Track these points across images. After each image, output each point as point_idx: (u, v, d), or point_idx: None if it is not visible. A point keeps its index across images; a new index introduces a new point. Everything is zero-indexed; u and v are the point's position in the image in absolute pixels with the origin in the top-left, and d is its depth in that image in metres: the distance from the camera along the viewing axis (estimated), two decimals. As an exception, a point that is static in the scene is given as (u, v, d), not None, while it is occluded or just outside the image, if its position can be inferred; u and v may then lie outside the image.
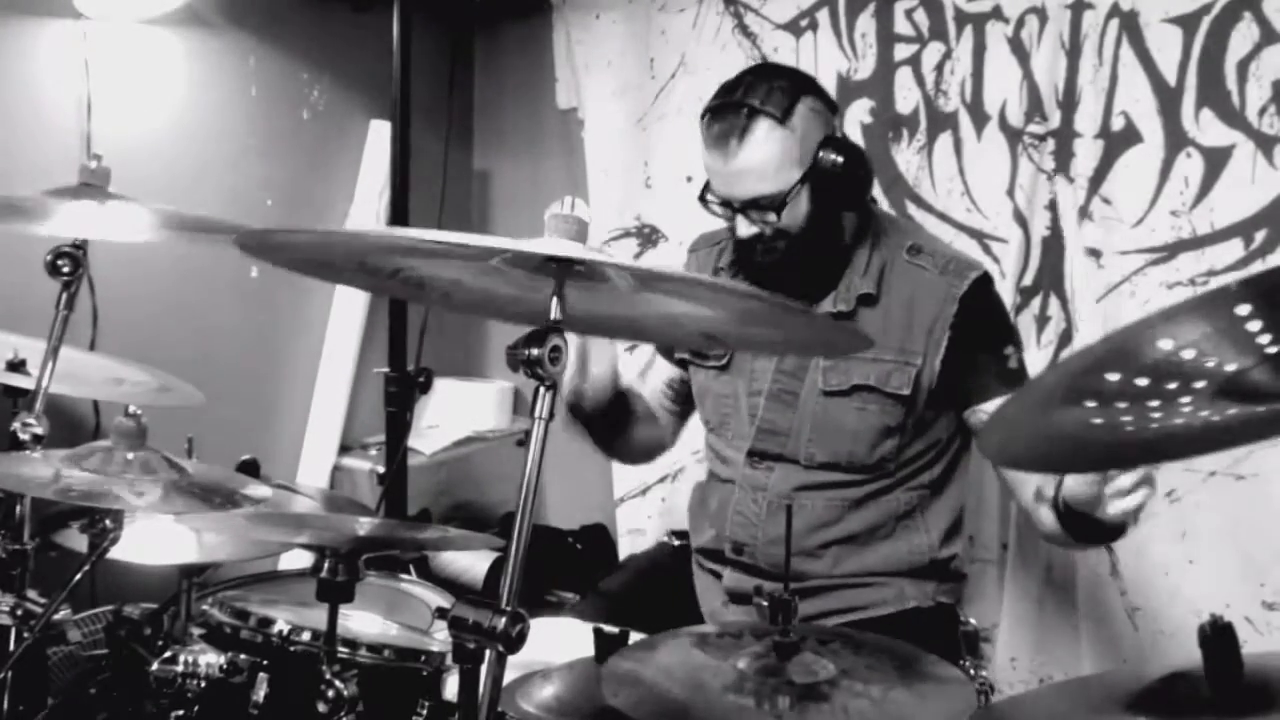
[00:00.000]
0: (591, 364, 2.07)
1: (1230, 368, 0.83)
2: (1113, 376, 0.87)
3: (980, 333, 2.02)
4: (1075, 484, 1.72)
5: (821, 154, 1.97)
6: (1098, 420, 0.90)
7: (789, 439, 2.09)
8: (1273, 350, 0.80)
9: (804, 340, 1.68)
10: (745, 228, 1.99)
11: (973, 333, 2.01)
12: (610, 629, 1.54)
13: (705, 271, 2.26)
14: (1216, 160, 2.43)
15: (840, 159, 1.97)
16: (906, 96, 2.78)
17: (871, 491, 2.09)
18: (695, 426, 2.33)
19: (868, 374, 2.03)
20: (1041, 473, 1.84)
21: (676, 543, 2.42)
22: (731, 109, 1.95)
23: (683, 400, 2.33)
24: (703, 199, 2.05)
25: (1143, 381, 0.86)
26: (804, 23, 2.90)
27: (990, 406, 1.99)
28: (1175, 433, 0.89)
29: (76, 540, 1.82)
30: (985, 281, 2.06)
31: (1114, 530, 1.78)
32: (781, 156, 1.95)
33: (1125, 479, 1.65)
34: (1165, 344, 0.83)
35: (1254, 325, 0.80)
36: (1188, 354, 0.83)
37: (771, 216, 1.97)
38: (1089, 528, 1.78)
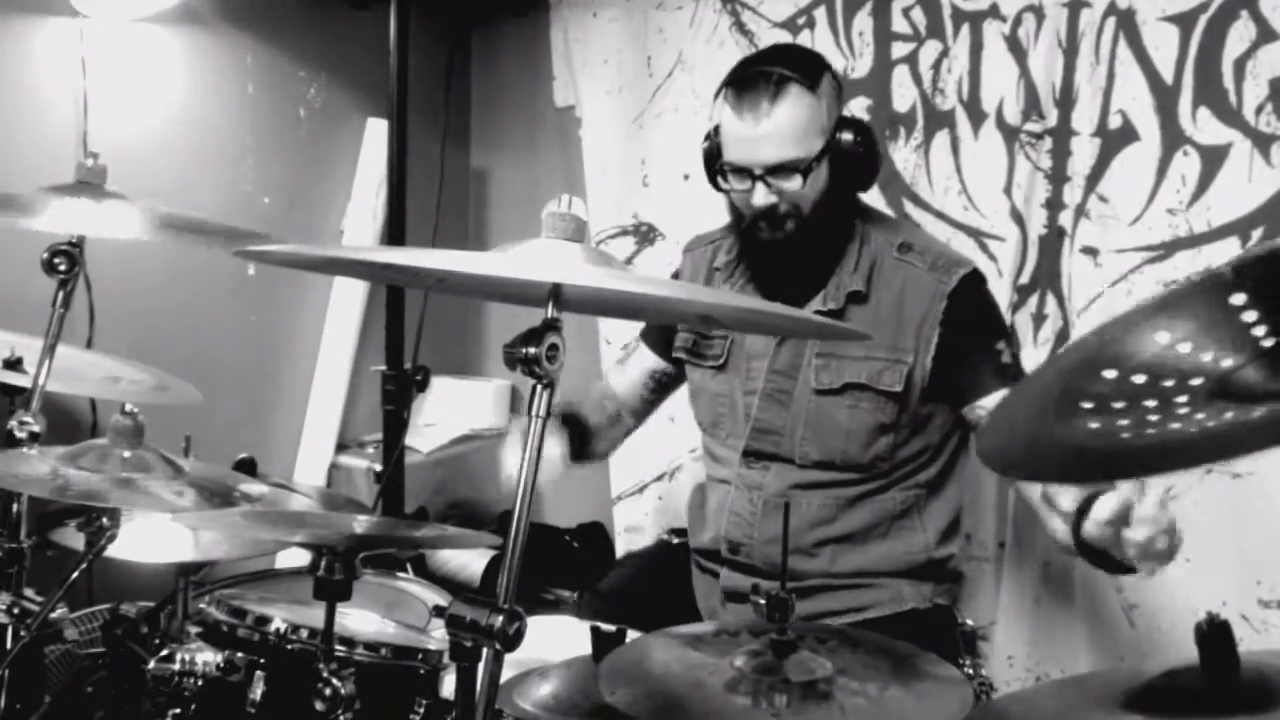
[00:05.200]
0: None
1: (1226, 363, 0.82)
2: (1109, 374, 0.87)
3: (971, 329, 2.02)
4: (1095, 530, 1.61)
5: (839, 131, 2.01)
6: (1095, 426, 0.90)
7: (783, 438, 2.09)
8: (1268, 344, 0.80)
9: (801, 326, 1.68)
10: (763, 196, 1.98)
11: (963, 329, 2.01)
12: (607, 627, 1.54)
13: (701, 271, 2.26)
14: (1213, 159, 2.43)
15: (857, 137, 2.01)
16: (904, 95, 2.78)
17: (867, 491, 2.09)
18: (693, 425, 2.33)
19: (859, 372, 2.03)
20: (1040, 482, 1.82)
21: (676, 541, 2.42)
22: (761, 76, 1.97)
23: (661, 389, 2.35)
24: (717, 173, 2.04)
25: (1139, 379, 0.86)
26: (801, 20, 2.90)
27: (987, 402, 1.99)
28: (1171, 440, 0.89)
29: (73, 538, 1.81)
30: (974, 278, 2.06)
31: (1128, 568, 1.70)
32: (809, 122, 1.97)
33: (1140, 532, 1.57)
34: (1161, 337, 0.83)
35: (1249, 316, 0.79)
36: (1183, 348, 0.83)
37: (794, 182, 1.96)
38: (1104, 560, 1.70)
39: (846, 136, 2.01)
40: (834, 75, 2.05)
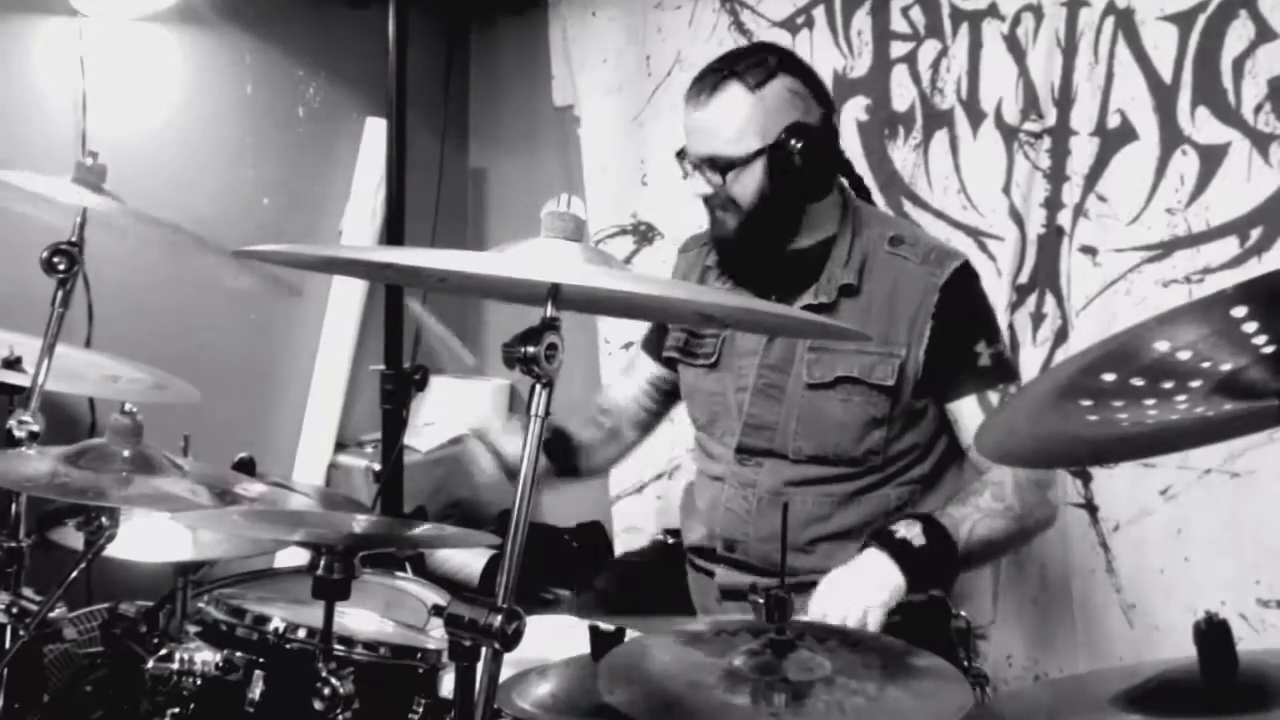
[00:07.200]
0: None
1: (1226, 367, 0.83)
2: (1109, 376, 0.87)
3: (957, 325, 2.01)
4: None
5: (785, 136, 1.97)
6: (1093, 418, 0.90)
7: (775, 433, 2.09)
8: (1269, 350, 0.80)
9: (797, 323, 1.68)
10: (698, 185, 2.03)
11: (951, 324, 2.01)
12: (607, 626, 1.54)
13: (694, 271, 2.26)
14: (1212, 158, 2.43)
15: (800, 145, 1.97)
16: (902, 94, 2.78)
17: (862, 487, 2.08)
18: (690, 424, 2.33)
19: (851, 366, 2.03)
20: (1040, 468, 1.83)
21: (671, 540, 2.42)
22: (712, 71, 2.01)
23: (664, 398, 2.34)
24: (680, 155, 2.08)
25: (1139, 381, 0.86)
26: (800, 20, 2.90)
27: (956, 406, 2.01)
28: (1170, 426, 0.89)
29: (72, 538, 1.81)
30: (966, 271, 2.05)
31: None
32: (743, 122, 1.96)
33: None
34: (1162, 345, 0.83)
35: (1250, 326, 0.80)
36: (1184, 355, 0.83)
37: (718, 178, 1.99)
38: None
39: (794, 144, 1.96)
40: (803, 81, 2.01)
